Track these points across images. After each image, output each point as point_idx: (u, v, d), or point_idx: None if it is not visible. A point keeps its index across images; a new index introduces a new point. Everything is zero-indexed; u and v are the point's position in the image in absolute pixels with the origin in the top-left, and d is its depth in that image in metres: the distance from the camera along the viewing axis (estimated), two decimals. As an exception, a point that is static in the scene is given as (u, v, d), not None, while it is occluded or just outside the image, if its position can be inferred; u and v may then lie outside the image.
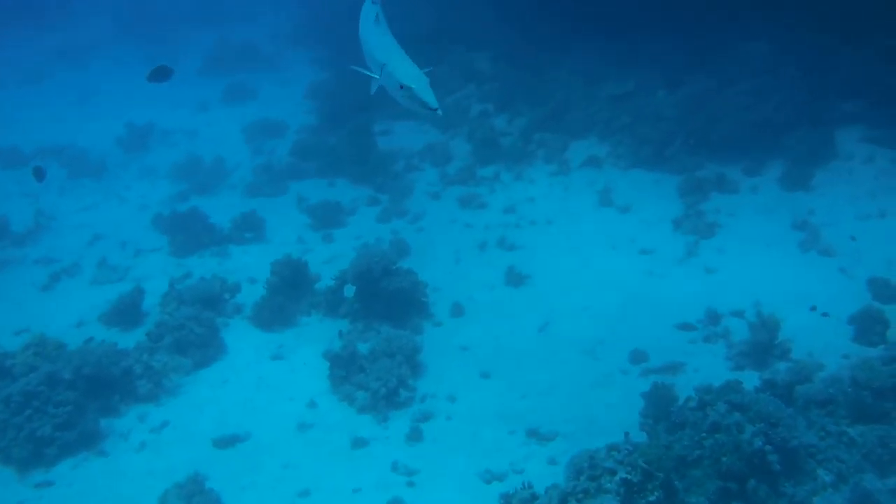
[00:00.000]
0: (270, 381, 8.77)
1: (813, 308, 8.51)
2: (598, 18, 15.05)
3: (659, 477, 5.62)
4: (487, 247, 11.42)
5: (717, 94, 13.11)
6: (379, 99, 16.30)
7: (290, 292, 9.95)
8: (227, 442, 7.77)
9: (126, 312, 10.08)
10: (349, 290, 9.84)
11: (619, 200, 12.11)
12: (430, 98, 5.35)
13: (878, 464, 6.19)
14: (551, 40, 15.85)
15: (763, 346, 8.04)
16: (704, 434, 6.09)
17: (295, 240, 12.02)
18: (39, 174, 10.30)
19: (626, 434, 6.12)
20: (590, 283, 10.13)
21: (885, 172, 11.29)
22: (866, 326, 8.03)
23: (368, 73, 6.05)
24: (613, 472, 5.68)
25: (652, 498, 5.54)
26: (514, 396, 8.17)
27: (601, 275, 10.30)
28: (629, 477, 5.60)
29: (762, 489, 5.72)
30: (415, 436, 7.68)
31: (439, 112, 5.32)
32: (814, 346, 8.04)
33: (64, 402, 7.83)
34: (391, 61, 5.67)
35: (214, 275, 10.42)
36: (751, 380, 7.25)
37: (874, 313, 8.06)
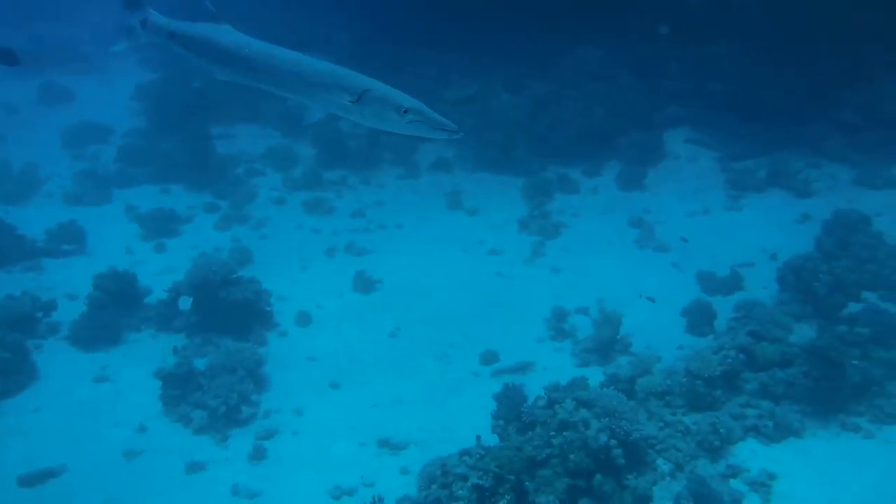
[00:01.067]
0: (92, 407, 7.87)
1: (641, 296, 8.77)
2: (444, 21, 15.13)
3: (510, 480, 5.53)
4: (336, 252, 11.04)
5: (557, 97, 13.52)
6: (217, 100, 15.40)
7: (116, 308, 9.05)
8: (36, 479, 6.83)
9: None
10: (185, 303, 9.10)
11: (468, 203, 12.15)
12: (441, 117, 4.59)
13: (711, 450, 6.47)
14: (399, 42, 15.73)
15: (606, 341, 8.25)
16: (553, 432, 6.08)
17: (123, 251, 11.01)
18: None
19: (478, 438, 6.00)
20: (441, 287, 10.02)
21: (708, 171, 12.08)
22: (697, 318, 8.45)
23: (335, 111, 4.82)
24: (465, 478, 5.53)
25: (503, 502, 5.43)
26: (365, 406, 7.85)
27: (452, 277, 10.23)
28: (480, 482, 5.47)
29: (608, 483, 5.77)
30: (258, 455, 7.15)
31: (460, 133, 4.59)
32: (652, 340, 8.36)
33: None
34: (374, 85, 4.67)
35: (25, 292, 9.27)
36: (596, 375, 7.40)
37: (703, 305, 8.50)
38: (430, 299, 9.72)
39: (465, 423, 7.30)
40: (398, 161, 13.54)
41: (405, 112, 4.53)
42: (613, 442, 5.93)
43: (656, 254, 10.21)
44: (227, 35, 5.02)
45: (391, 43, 15.41)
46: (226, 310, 8.88)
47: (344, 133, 14.09)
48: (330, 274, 10.45)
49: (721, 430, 6.51)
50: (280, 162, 13.69)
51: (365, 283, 10.08)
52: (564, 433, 6.03)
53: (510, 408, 6.92)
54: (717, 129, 12.53)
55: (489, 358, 8.45)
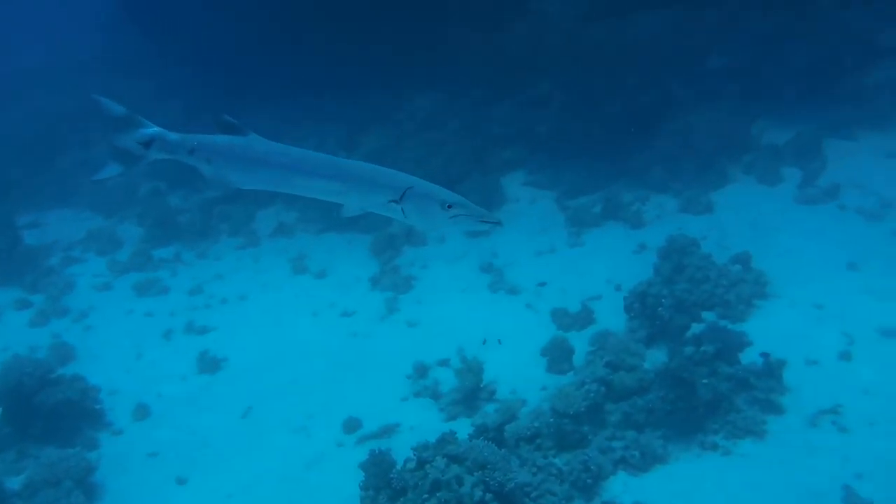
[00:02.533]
0: None
1: (484, 342, 8.70)
2: (268, 79, 14.83)
3: (384, 558, 5.06)
4: (174, 334, 10.18)
5: (395, 149, 13.50)
6: (20, 186, 14.02)
7: None
8: None
9: None
10: (-6, 414, 7.92)
11: (314, 266, 11.68)
12: (482, 209, 4.51)
13: (584, 489, 6.35)
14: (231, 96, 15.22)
15: (471, 391, 8.03)
16: (426, 495, 5.72)
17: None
18: None
19: (345, 516, 5.50)
20: (293, 356, 9.45)
21: (548, 211, 12.40)
22: (556, 356, 8.45)
23: (374, 210, 4.66)
24: (335, 566, 4.99)
25: (380, 584, 4.94)
26: (219, 498, 7.09)
27: (304, 345, 9.68)
28: (352, 566, 4.96)
29: (489, 541, 5.46)
30: (95, 579, 6.20)
31: (502, 224, 4.54)
32: (516, 383, 8.23)
33: None
34: (416, 182, 4.55)
35: None
36: (464, 427, 7.11)
37: (560, 342, 8.52)
38: (282, 371, 9.11)
39: (332, 499, 6.78)
40: (236, 231, 12.88)
41: (449, 207, 4.46)
42: (489, 496, 5.65)
43: (510, 296, 10.22)
44: (259, 144, 4.75)
45: (224, 98, 14.88)
46: (45, 415, 7.83)
47: (173, 208, 13.27)
48: (169, 358, 9.58)
49: (592, 468, 6.41)
50: (103, 245, 12.63)
51: (210, 363, 9.31)
52: (438, 494, 5.68)
53: (379, 476, 6.46)
54: (550, 169, 12.96)
55: (352, 425, 7.95)
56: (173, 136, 4.80)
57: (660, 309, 8.21)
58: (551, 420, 6.82)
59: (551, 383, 8.04)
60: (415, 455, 6.13)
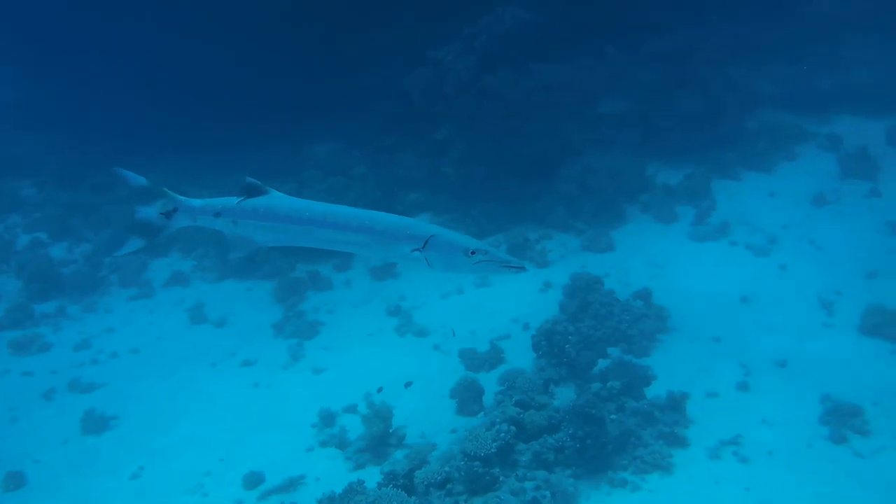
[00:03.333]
0: None
1: (379, 390, 8.52)
2: (168, 136, 14.43)
3: None
4: (56, 393, 9.43)
5: (296, 196, 13.24)
6: None
7: None
8: None
9: None
10: None
11: (213, 314, 11.16)
12: (505, 254, 4.59)
13: (501, 531, 6.16)
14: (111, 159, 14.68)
15: (379, 437, 7.75)
16: (333, 552, 5.38)
17: None
18: None
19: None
20: (191, 410, 8.90)
21: (455, 254, 12.38)
22: (465, 397, 8.31)
23: (396, 260, 4.84)
24: None
25: None
26: (104, 572, 6.47)
27: (202, 397, 9.15)
28: None
29: None
30: None
31: (526, 269, 4.55)
32: (425, 427, 8.02)
33: None
34: (438, 231, 4.63)
35: None
36: (373, 475, 6.83)
37: (469, 383, 8.39)
38: (178, 427, 8.55)
39: (231, 563, 6.31)
40: (127, 281, 12.20)
41: (472, 254, 4.51)
42: (399, 548, 5.37)
43: (418, 339, 10.05)
44: (282, 201, 4.79)
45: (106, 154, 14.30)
46: None
47: (56, 260, 12.49)
48: (49, 419, 8.82)
49: (506, 510, 6.25)
50: (-25, 301, 11.65)
51: (96, 423, 8.63)
52: (345, 550, 5.35)
53: (281, 534, 6.08)
54: (456, 211, 13.01)
55: (253, 480, 7.49)
56: (196, 202, 4.85)
57: (567, 346, 8.25)
58: (462, 463, 6.63)
59: (461, 425, 7.87)
60: (320, 508, 5.81)
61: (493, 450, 6.74)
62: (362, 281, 11.87)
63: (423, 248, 4.57)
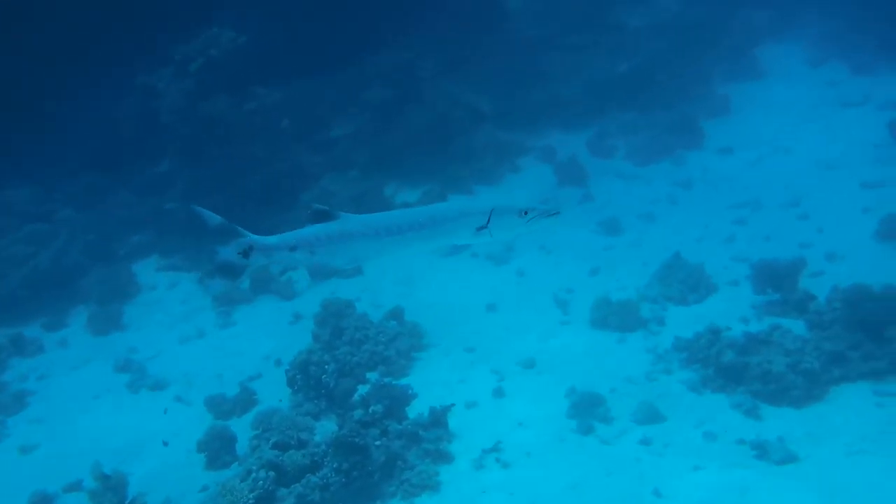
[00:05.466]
0: None
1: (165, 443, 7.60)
2: None
3: None
4: None
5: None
6: None
7: None
8: None
9: None
10: None
11: None
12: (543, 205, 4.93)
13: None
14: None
15: (114, 512, 6.64)
16: None
17: None
18: None
19: None
20: None
21: (191, 294, 11.33)
22: (215, 448, 7.47)
23: (461, 242, 5.00)
24: None
25: None
26: None
27: None
28: None
29: None
30: None
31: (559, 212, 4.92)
32: (171, 490, 7.06)
33: None
34: (494, 203, 4.91)
35: None
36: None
37: (219, 432, 7.57)
38: None
39: None
40: None
41: (525, 214, 4.80)
42: None
43: (155, 392, 8.93)
44: (351, 221, 4.94)
45: None
46: None
47: None
48: None
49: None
50: None
51: None
52: None
53: None
54: (188, 249, 11.96)
55: None
56: (271, 239, 4.91)
57: (324, 377, 7.82)
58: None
59: (213, 480, 7.03)
60: None
61: (250, 501, 6.07)
62: (81, 337, 10.37)
63: (486, 223, 4.83)
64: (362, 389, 7.79)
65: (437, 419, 7.32)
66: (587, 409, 7.38)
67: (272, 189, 12.22)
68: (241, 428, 7.69)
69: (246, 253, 4.86)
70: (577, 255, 10.73)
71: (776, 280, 8.60)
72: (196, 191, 12.09)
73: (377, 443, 6.75)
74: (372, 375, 8.28)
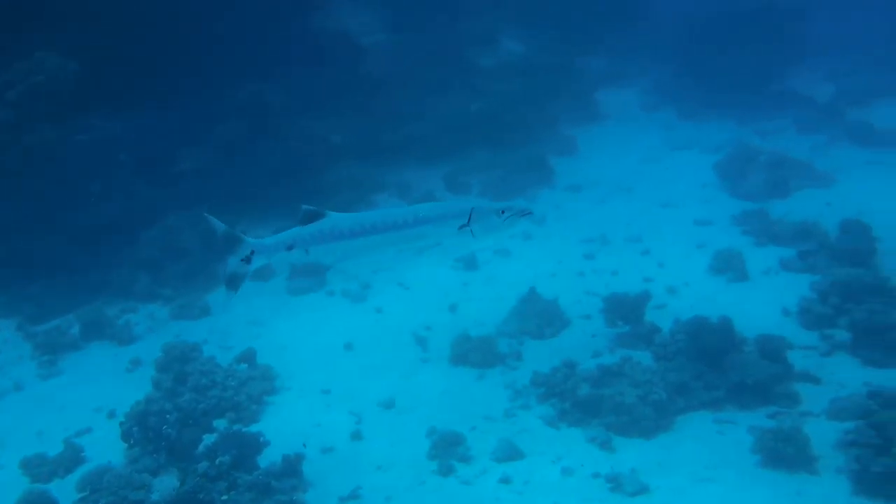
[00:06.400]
0: None
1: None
2: None
3: None
4: None
5: None
6: None
7: None
8: None
9: None
10: None
11: None
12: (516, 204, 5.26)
13: None
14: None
15: None
16: None
17: None
18: None
19: None
20: None
21: (11, 343, 10.19)
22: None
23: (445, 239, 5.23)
24: None
25: None
26: None
27: None
28: None
29: None
30: None
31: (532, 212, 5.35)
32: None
33: None
34: (474, 203, 5.26)
35: None
36: None
37: (35, 498, 6.69)
38: None
39: None
40: None
41: (502, 213, 5.13)
42: None
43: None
44: (341, 220, 5.24)
45: None
46: None
47: None
48: None
49: None
50: None
51: None
52: None
53: None
54: (6, 294, 10.78)
55: None
56: (268, 240, 5.24)
57: (165, 428, 7.16)
58: None
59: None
60: None
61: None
62: None
63: (468, 222, 5.15)
64: (209, 439, 7.21)
65: (291, 467, 6.91)
66: (447, 450, 7.22)
67: (108, 224, 11.34)
68: (65, 491, 6.86)
69: (248, 258, 5.19)
70: (435, 291, 10.67)
71: (625, 313, 8.94)
72: (11, 230, 10.97)
73: (224, 497, 6.22)
74: (220, 423, 7.69)
